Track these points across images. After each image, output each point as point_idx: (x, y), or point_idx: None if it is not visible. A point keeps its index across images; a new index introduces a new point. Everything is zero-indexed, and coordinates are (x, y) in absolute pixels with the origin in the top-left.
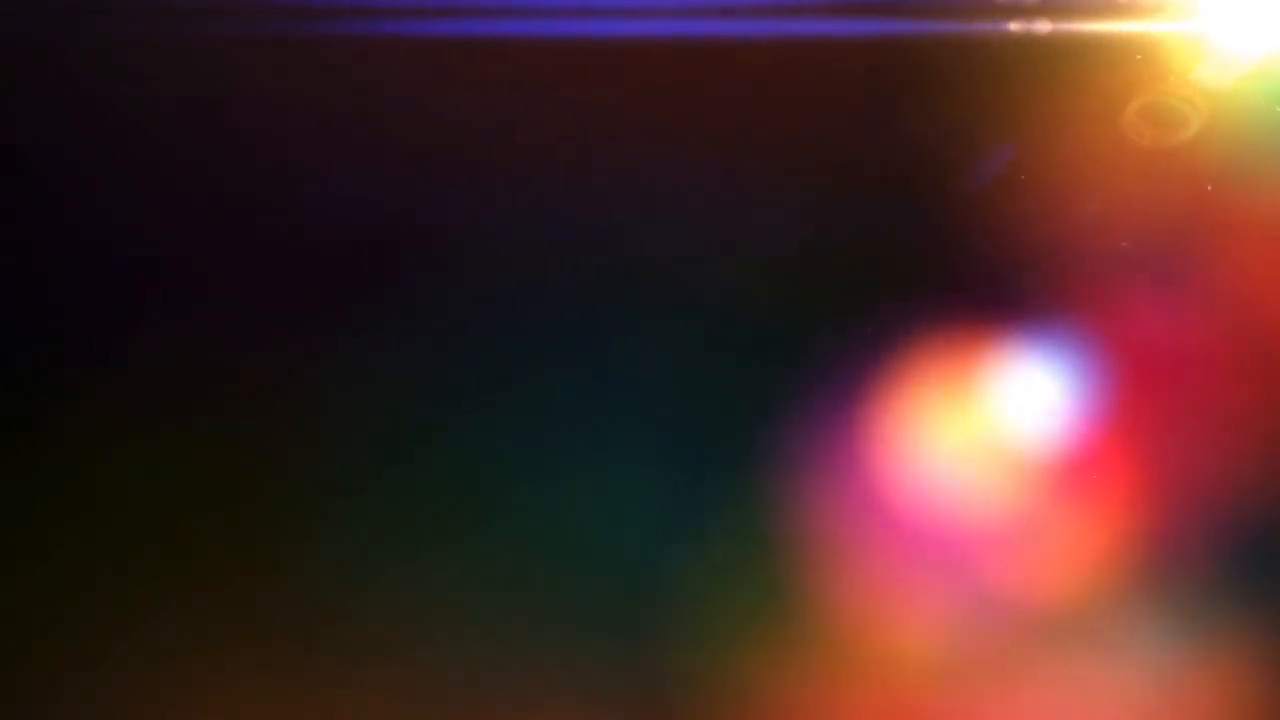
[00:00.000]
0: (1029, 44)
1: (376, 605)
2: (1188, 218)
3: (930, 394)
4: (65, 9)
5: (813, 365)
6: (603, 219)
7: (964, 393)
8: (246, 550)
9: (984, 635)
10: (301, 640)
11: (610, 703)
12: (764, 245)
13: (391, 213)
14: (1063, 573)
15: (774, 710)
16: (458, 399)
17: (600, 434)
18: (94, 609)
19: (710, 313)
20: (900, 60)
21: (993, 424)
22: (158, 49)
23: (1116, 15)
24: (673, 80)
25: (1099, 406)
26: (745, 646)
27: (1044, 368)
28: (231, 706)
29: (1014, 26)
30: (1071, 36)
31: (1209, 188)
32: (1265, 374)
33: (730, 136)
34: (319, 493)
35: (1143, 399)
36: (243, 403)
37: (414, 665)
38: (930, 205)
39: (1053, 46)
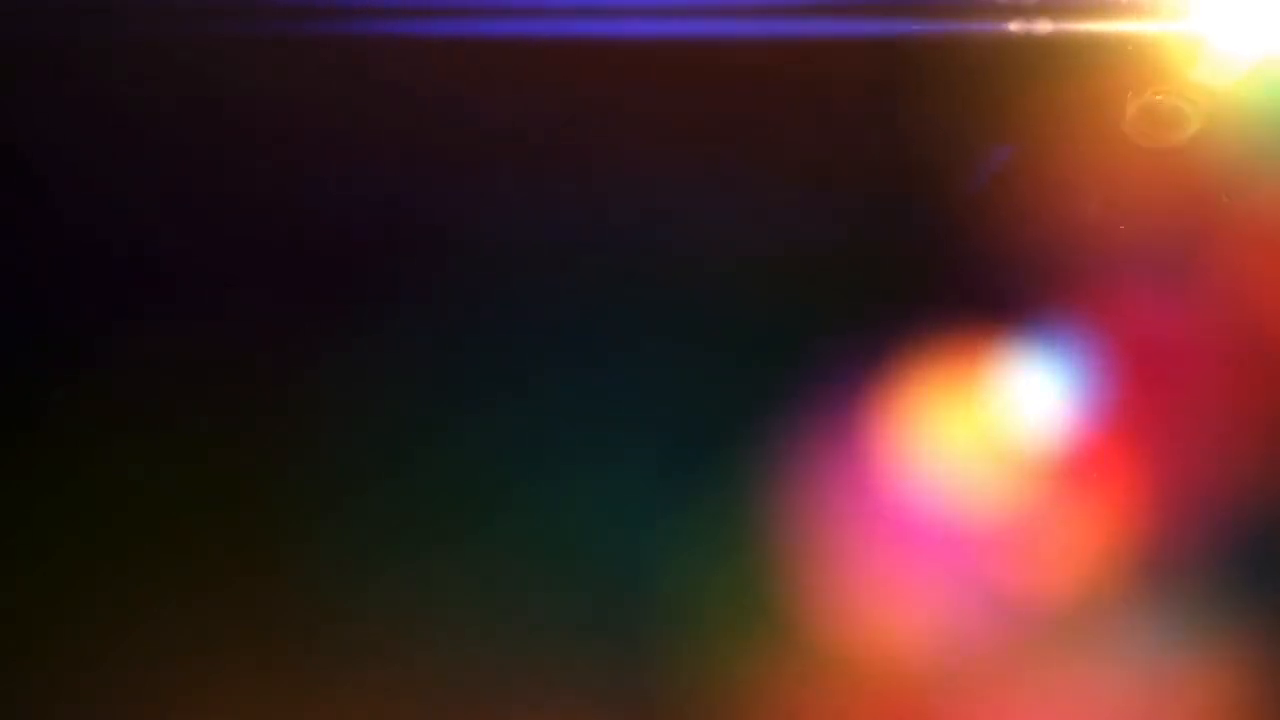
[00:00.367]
0: (1029, 44)
1: (376, 605)
2: (1187, 217)
3: (930, 394)
4: (65, 9)
5: (813, 365)
6: (603, 219)
7: (964, 392)
8: (246, 550)
9: (985, 635)
10: (301, 640)
11: (610, 703)
12: (764, 245)
13: (392, 213)
14: (1064, 572)
15: (775, 711)
16: (458, 399)
17: (600, 434)
18: (94, 609)
19: (710, 313)
20: (900, 60)
21: (993, 424)
22: (158, 49)
23: (1116, 15)
24: (673, 80)
25: (1099, 406)
26: (745, 647)
27: (1044, 367)
28: (231, 706)
29: (1014, 26)
30: (1071, 36)
31: (1209, 187)
32: (1266, 373)
33: (730, 136)
34: (319, 493)
35: (1143, 398)
36: (243, 403)
37: (413, 665)
38: (930, 205)
39: (1053, 46)
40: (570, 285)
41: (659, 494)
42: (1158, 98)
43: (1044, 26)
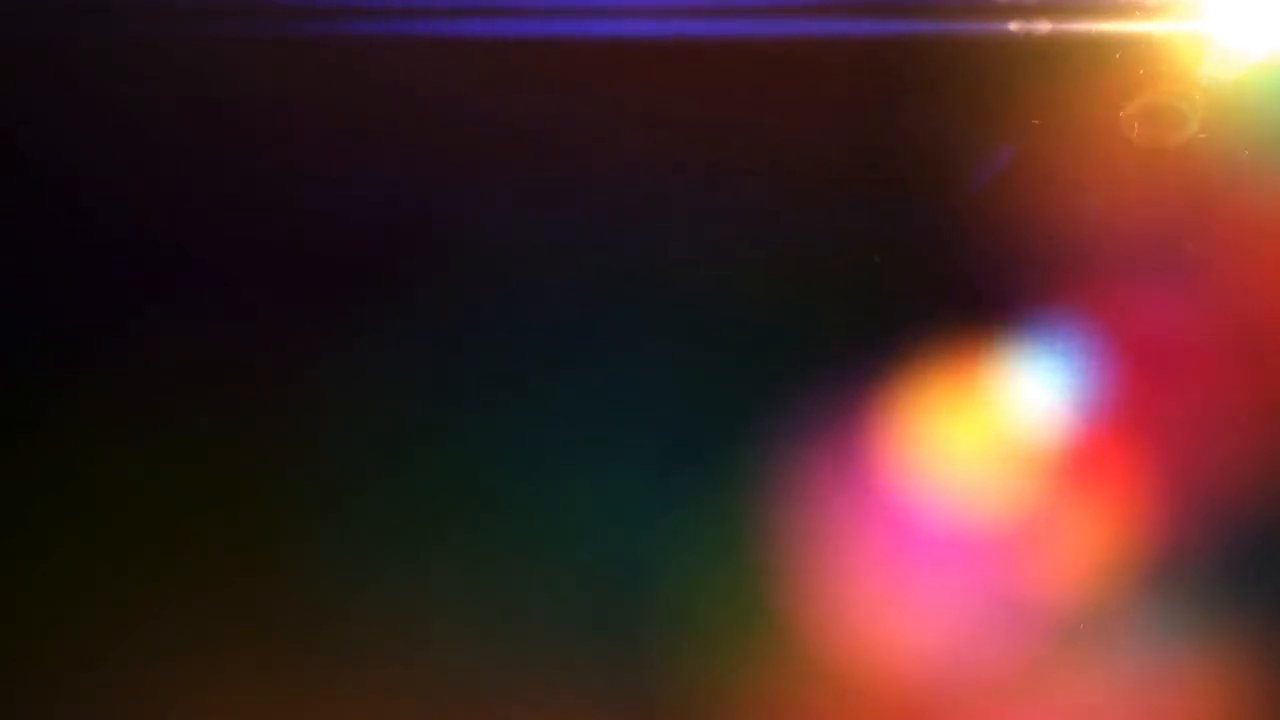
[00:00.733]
0: (1029, 44)
1: (376, 605)
2: (1188, 217)
3: (932, 394)
4: (65, 9)
5: (813, 366)
6: (603, 219)
7: (965, 392)
8: (246, 550)
9: (987, 635)
10: (301, 640)
11: (610, 703)
12: (764, 245)
13: (392, 213)
14: (1066, 572)
15: (775, 713)
16: (458, 399)
17: (600, 434)
18: (94, 609)
19: (710, 313)
20: (900, 60)
21: (994, 424)
22: (158, 49)
23: (1116, 15)
24: (673, 80)
25: (1100, 405)
26: (745, 648)
27: (1045, 367)
28: (231, 706)
29: (1014, 26)
30: (1071, 36)
31: (1208, 187)
32: (1266, 373)
33: (730, 136)
34: (319, 493)
35: (1144, 398)
36: (243, 403)
37: (413, 665)
38: (930, 205)
39: (1053, 46)
40: (570, 285)
41: (659, 494)
42: (1158, 98)
43: (1044, 26)
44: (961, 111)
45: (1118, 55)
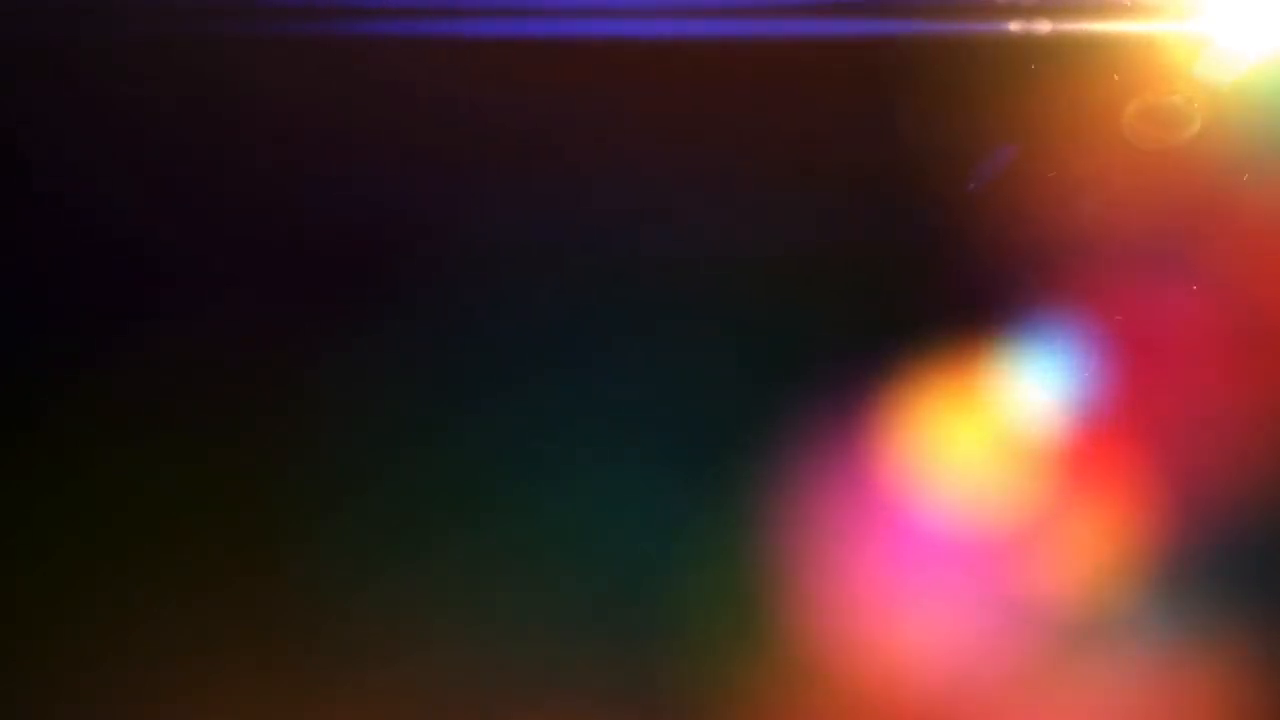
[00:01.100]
0: (1029, 44)
1: (376, 605)
2: (1188, 218)
3: (931, 394)
4: (65, 9)
5: (812, 366)
6: (603, 219)
7: (965, 392)
8: (246, 550)
9: (989, 635)
10: (301, 640)
11: (611, 703)
12: (763, 245)
13: (391, 212)
14: (1068, 572)
15: (776, 713)
16: (457, 399)
17: (599, 434)
18: (94, 609)
19: (710, 313)
20: (900, 60)
21: (995, 424)
22: (158, 49)
23: (1116, 15)
24: (673, 80)
25: (1101, 406)
26: (745, 649)
27: (1045, 368)
28: (231, 706)
29: (1014, 26)
30: (1071, 36)
31: (1208, 187)
32: (1267, 372)
33: (730, 137)
34: (319, 493)
35: (1145, 398)
36: (243, 403)
37: (413, 665)
38: (930, 205)
39: (1053, 46)
40: (569, 285)
41: (659, 494)
42: (1158, 98)
43: (1044, 26)
44: (961, 111)
45: (1118, 55)
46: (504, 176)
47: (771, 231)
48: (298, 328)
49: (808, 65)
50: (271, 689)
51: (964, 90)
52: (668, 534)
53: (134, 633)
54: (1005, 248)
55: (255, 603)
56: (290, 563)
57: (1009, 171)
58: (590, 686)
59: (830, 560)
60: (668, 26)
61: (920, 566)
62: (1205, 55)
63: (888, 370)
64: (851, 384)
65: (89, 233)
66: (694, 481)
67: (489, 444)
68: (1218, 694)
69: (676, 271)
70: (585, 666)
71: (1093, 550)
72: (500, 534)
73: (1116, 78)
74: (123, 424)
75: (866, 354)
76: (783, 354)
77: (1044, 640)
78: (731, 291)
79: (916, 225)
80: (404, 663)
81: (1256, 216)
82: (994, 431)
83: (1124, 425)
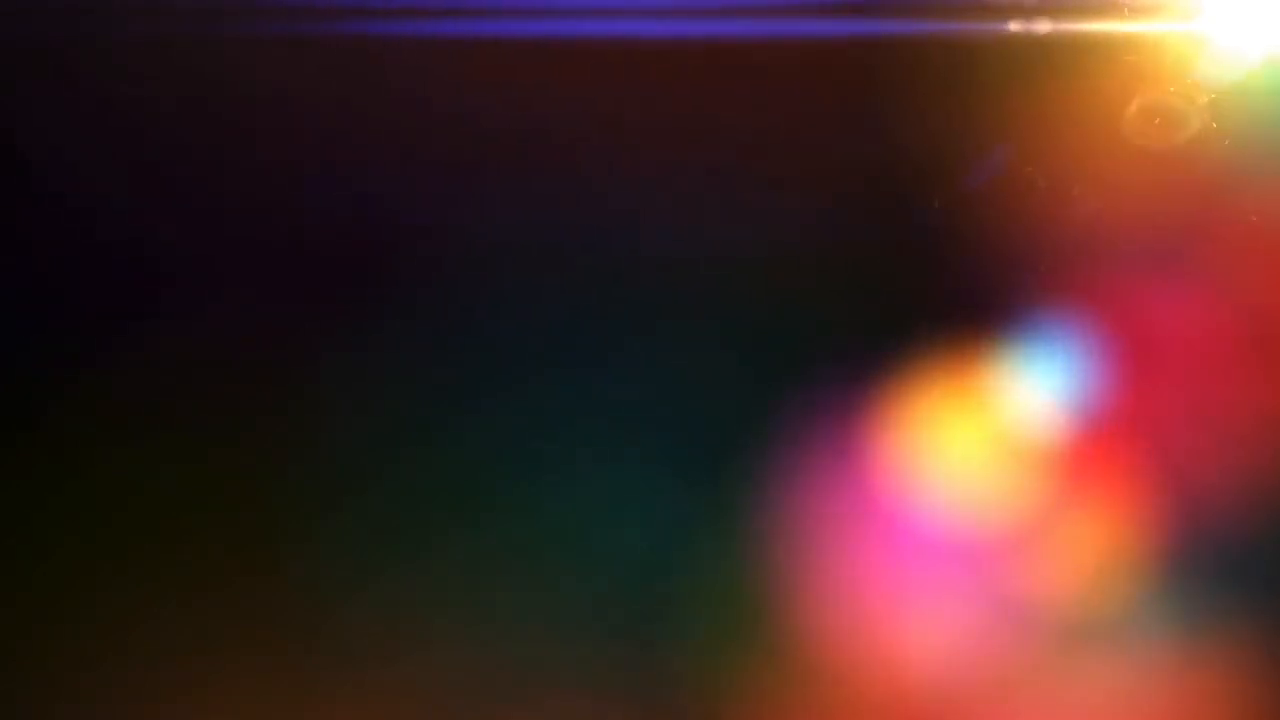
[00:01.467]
0: (1029, 44)
1: (376, 605)
2: (1188, 218)
3: (931, 394)
4: (65, 9)
5: (811, 365)
6: (602, 219)
7: (965, 393)
8: (246, 550)
9: (992, 636)
10: (301, 640)
11: (611, 703)
12: (763, 245)
13: (391, 212)
14: (1068, 573)
15: (776, 713)
16: (457, 399)
17: (599, 434)
18: (94, 609)
19: (709, 313)
20: (900, 60)
21: (994, 425)
22: (158, 49)
23: (1116, 15)
24: (672, 80)
25: (1100, 406)
26: (746, 648)
27: (1045, 368)
28: (231, 706)
29: (1014, 26)
30: (1071, 36)
31: (1208, 187)
32: (1267, 373)
33: (730, 137)
34: (319, 493)
35: (1144, 398)
36: (243, 403)
37: (413, 665)
38: (930, 205)
39: (1053, 46)
40: (569, 285)
41: (659, 494)
42: (1158, 98)
43: (1044, 26)
44: (962, 111)
45: (1118, 55)
46: (504, 176)
47: (771, 231)
48: (298, 328)
49: (808, 65)
50: (271, 689)
51: (964, 90)
52: (667, 534)
53: (134, 633)
54: (1005, 248)
55: (255, 603)
56: (290, 563)
57: (1009, 171)
58: (590, 686)
59: (830, 560)
60: (668, 26)
61: (920, 566)
62: (1205, 55)
63: (887, 370)
64: (851, 384)
65: (89, 233)
66: (694, 481)
67: (489, 444)
68: (1218, 694)
69: (676, 271)
70: (585, 666)
71: (1093, 550)
72: (500, 534)
73: (1116, 78)
74: (123, 424)
75: (866, 354)
76: (783, 354)
77: (1044, 640)
78: (731, 291)
79: (916, 225)
80: (404, 663)
81: (1256, 216)
82: (994, 431)
83: (1123, 425)
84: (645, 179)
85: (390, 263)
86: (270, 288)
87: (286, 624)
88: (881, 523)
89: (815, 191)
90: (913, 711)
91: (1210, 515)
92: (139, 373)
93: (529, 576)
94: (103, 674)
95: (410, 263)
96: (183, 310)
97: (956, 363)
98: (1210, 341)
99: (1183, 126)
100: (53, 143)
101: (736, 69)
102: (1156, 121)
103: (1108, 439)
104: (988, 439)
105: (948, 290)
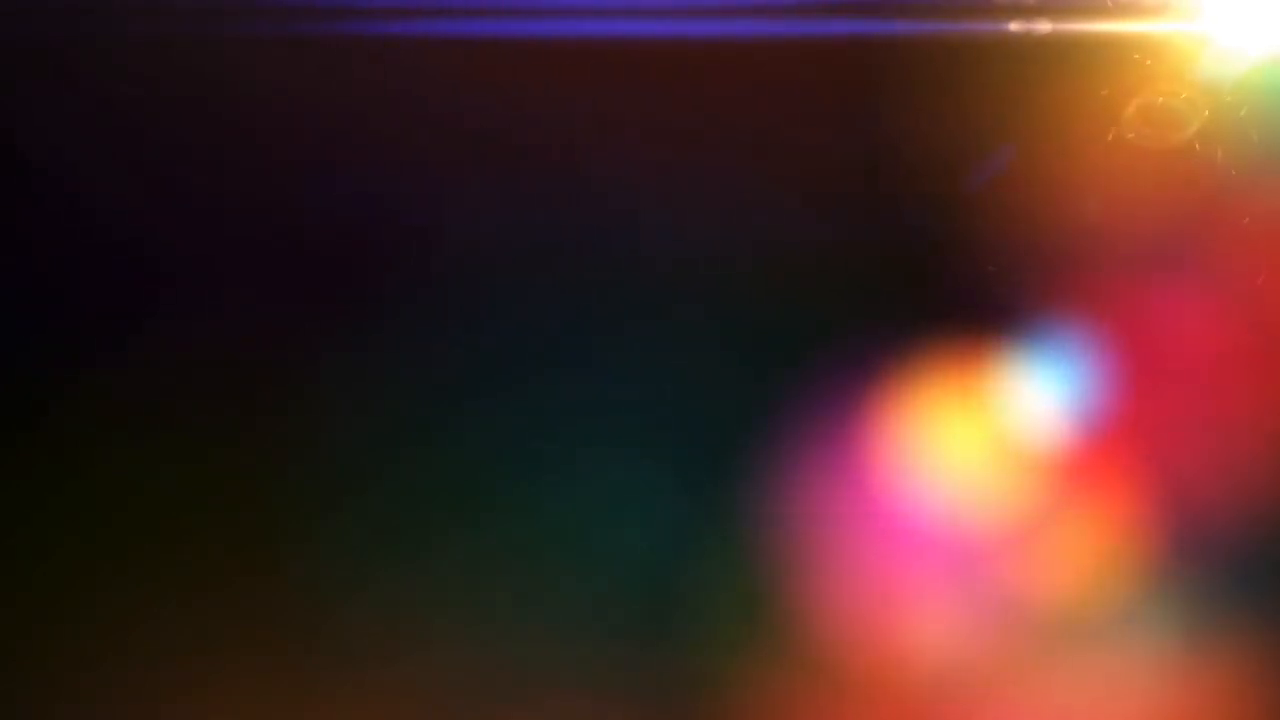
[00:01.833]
0: (1029, 44)
1: (376, 605)
2: (1188, 218)
3: (931, 395)
4: (65, 9)
5: (811, 366)
6: (602, 219)
7: (966, 393)
8: (246, 550)
9: (990, 637)
10: (301, 640)
11: (611, 703)
12: (762, 246)
13: (391, 212)
14: (1068, 574)
15: (777, 713)
16: (457, 399)
17: (599, 434)
18: (94, 609)
19: (710, 314)
20: (900, 60)
21: (994, 425)
22: (158, 49)
23: (1116, 15)
24: (673, 80)
25: (1100, 407)
26: (747, 647)
27: (1045, 368)
28: (231, 706)
29: (1014, 26)
30: (1071, 36)
31: (1208, 188)
32: (1268, 373)
33: (729, 137)
34: (319, 493)
35: (1144, 399)
36: (243, 403)
37: (413, 665)
38: (930, 205)
39: (1053, 46)
40: (570, 286)
41: (659, 494)
42: (1158, 98)
43: (1044, 26)
44: (961, 111)
45: (1118, 55)
46: (503, 176)
47: (771, 231)
48: (298, 328)
49: (807, 65)
50: (271, 689)
51: (964, 90)
52: (667, 534)
53: (134, 633)
54: (1005, 248)
55: (255, 603)
56: (290, 563)
57: (1009, 171)
58: (590, 686)
59: (831, 560)
60: (668, 26)
61: (921, 567)
62: (1205, 55)
63: (887, 370)
64: (851, 384)
65: (89, 233)
66: (694, 481)
67: (489, 444)
68: (1217, 695)
69: (676, 271)
70: (585, 666)
71: (1092, 551)
72: (500, 534)
73: (1116, 78)
74: (123, 424)
75: (866, 354)
76: (782, 354)
77: (1044, 641)
78: (731, 291)
79: (916, 225)
80: (404, 663)
81: (1256, 216)
82: (994, 432)
83: (1123, 425)
84: (645, 179)
85: (390, 263)
86: (270, 288)
87: (286, 624)
88: (882, 523)
89: (815, 191)
90: (913, 711)
91: (1210, 516)
92: (139, 373)
93: (529, 576)
94: (103, 674)
95: (410, 263)
96: (182, 310)
97: (956, 363)
98: (1210, 341)
99: (1183, 126)
100: (52, 143)
101: (736, 69)
102: (1157, 121)
103: (1107, 439)
104: (988, 439)
105: (947, 290)
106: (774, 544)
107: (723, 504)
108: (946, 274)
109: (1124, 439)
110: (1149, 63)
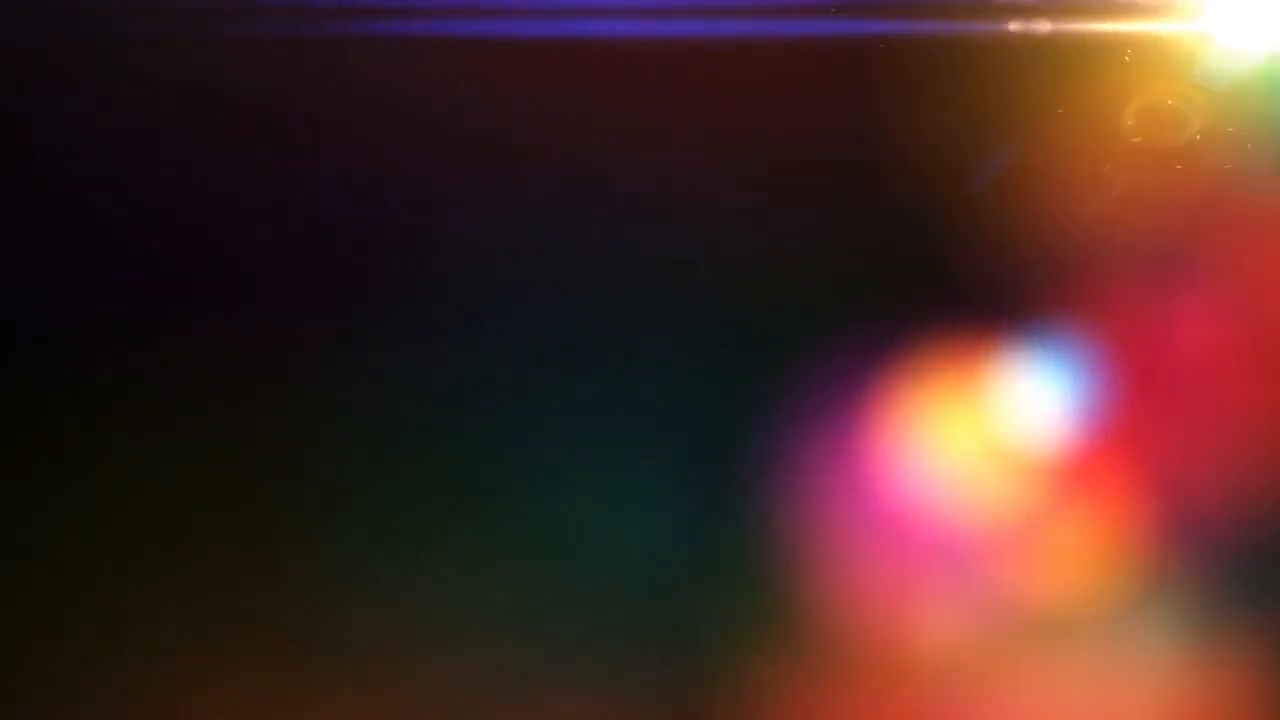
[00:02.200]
0: (1029, 44)
1: (376, 605)
2: (1188, 218)
3: (931, 396)
4: (65, 9)
5: (812, 367)
6: (606, 220)
7: (965, 394)
8: (246, 550)
9: (990, 636)
10: (301, 640)
11: (611, 703)
12: (763, 246)
13: (391, 212)
14: (1067, 574)
15: (776, 712)
16: (457, 399)
17: (600, 434)
18: (94, 609)
19: (711, 313)
20: (900, 60)
21: (994, 425)
22: (158, 49)
23: (1116, 15)
24: (672, 80)
25: (1099, 407)
26: (747, 646)
27: (1045, 369)
28: (231, 706)
29: (1014, 26)
30: (1071, 36)
31: (1208, 188)
32: (1267, 374)
33: (730, 137)
34: (319, 493)
35: (1143, 399)
36: (243, 402)
37: (413, 666)
38: (931, 206)
39: (1053, 46)
40: (570, 286)
41: (659, 494)
42: (1158, 98)
43: (1044, 26)
44: (961, 111)
45: (1118, 55)
46: (503, 176)
47: (771, 231)
48: (298, 327)
49: (807, 65)
50: (271, 689)
51: (964, 90)
52: (668, 533)
53: (134, 633)
54: (1005, 248)
55: (255, 603)
56: (290, 563)
57: (1009, 172)
58: (590, 686)
59: (831, 560)
60: (668, 27)
61: (921, 567)
62: (1205, 55)
63: (888, 370)
64: (851, 384)
65: (88, 233)
66: (694, 481)
67: (489, 444)
68: (1217, 694)
69: (676, 271)
70: (585, 666)
71: (1094, 550)
72: (500, 534)
73: (1116, 78)
74: (123, 424)
75: (866, 354)
76: (782, 354)
77: (1045, 641)
78: (731, 291)
79: (916, 226)
80: (404, 663)
81: (1257, 217)
82: (995, 432)
83: (1123, 425)
84: (644, 178)
85: (390, 263)
86: (270, 288)
87: (286, 624)
88: (882, 523)
89: (815, 191)
90: (913, 710)
91: (1211, 517)
92: (139, 373)
93: (529, 576)
94: (103, 674)
95: (410, 263)
96: (182, 310)
97: (956, 363)
98: (1211, 341)
99: (1183, 126)
100: (52, 143)
101: (736, 69)
102: (1157, 121)
103: (1108, 438)
104: (989, 439)
105: (947, 290)
106: (774, 543)
107: (724, 504)
108: (947, 274)
109: (1124, 438)
110: (1149, 63)
